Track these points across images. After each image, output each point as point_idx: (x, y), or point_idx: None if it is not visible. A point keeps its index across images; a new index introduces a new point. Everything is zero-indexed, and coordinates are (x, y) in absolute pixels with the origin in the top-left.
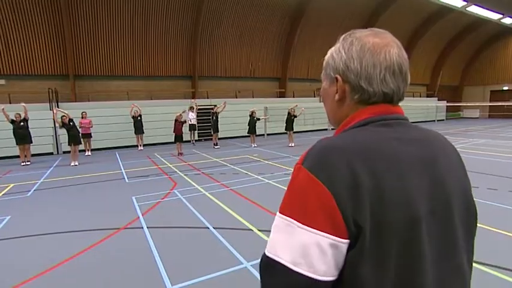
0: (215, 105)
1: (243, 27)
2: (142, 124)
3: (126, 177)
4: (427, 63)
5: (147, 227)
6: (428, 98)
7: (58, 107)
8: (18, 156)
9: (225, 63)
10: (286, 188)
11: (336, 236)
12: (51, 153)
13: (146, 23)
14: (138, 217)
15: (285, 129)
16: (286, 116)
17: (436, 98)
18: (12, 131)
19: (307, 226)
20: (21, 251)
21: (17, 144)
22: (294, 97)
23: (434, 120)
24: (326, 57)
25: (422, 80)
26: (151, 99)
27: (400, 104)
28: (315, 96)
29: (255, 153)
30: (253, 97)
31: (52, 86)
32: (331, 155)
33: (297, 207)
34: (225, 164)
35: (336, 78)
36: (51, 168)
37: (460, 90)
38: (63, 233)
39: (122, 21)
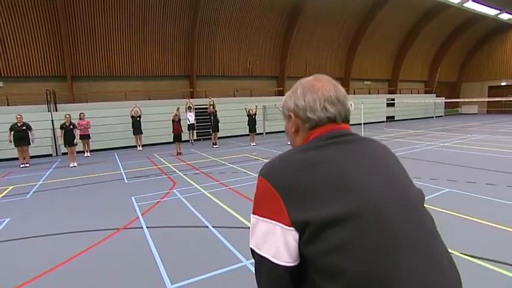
0: (211, 105)
1: (240, 25)
2: (140, 124)
3: (125, 178)
4: (425, 60)
5: (147, 227)
6: (426, 95)
7: (56, 110)
8: (17, 159)
9: (222, 62)
10: None
11: (284, 224)
12: (50, 155)
13: (143, 22)
14: (138, 217)
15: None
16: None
17: (435, 95)
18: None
19: (263, 217)
20: (21, 252)
21: (15, 146)
22: None
23: (432, 117)
24: (282, 102)
25: (420, 76)
26: (150, 99)
27: (397, 100)
28: None
29: (254, 151)
30: (251, 96)
31: (50, 88)
32: (277, 163)
33: (256, 205)
34: (224, 163)
35: (290, 115)
36: (50, 169)
37: (458, 87)
38: (63, 233)
39: (119, 21)
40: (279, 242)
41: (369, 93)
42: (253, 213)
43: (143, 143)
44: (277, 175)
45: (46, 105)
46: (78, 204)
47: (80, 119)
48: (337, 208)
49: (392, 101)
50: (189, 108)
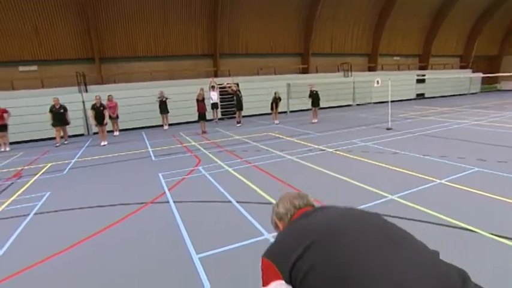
0: (229, 87)
1: (263, 2)
2: (167, 105)
3: (152, 156)
4: (461, 33)
5: (173, 202)
6: (461, 70)
7: (86, 91)
8: (53, 138)
9: (246, 40)
10: (306, 163)
11: (281, 279)
12: (82, 134)
13: (166, 2)
14: (165, 192)
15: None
16: (309, 93)
17: (470, 70)
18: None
19: (270, 282)
20: (60, 223)
21: (53, 126)
22: (317, 72)
23: (467, 94)
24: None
25: (454, 51)
26: (174, 79)
27: (429, 76)
28: (338, 71)
29: (277, 130)
30: (275, 74)
31: (80, 70)
32: (272, 244)
33: (264, 279)
34: (248, 141)
35: (276, 223)
36: (83, 148)
37: (499, 60)
38: (95, 207)
39: (143, 2)
40: None
41: (398, 69)
42: (266, 282)
43: (169, 122)
44: (270, 251)
45: (77, 87)
46: (109, 180)
47: (109, 100)
48: (301, 246)
49: (423, 77)
50: (213, 87)
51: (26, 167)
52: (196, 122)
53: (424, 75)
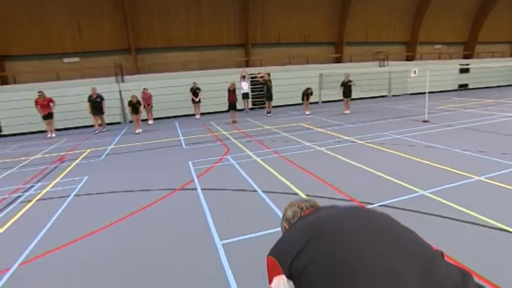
0: (261, 76)
1: None
2: (198, 95)
3: (183, 144)
4: None
5: (201, 189)
6: None
7: (123, 81)
8: (93, 126)
9: (278, 29)
10: (335, 155)
11: (282, 274)
12: (119, 123)
13: None
14: (193, 180)
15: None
16: (340, 83)
17: None
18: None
19: (273, 277)
20: (95, 205)
21: (92, 115)
22: (351, 62)
23: None
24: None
25: (507, 37)
26: (206, 69)
27: (474, 65)
28: (373, 61)
29: (308, 120)
30: (307, 63)
31: (117, 61)
32: (276, 243)
33: (269, 276)
34: (277, 131)
35: (285, 226)
36: (119, 136)
37: None
38: (128, 191)
39: None
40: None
41: (439, 59)
42: (270, 278)
43: (201, 112)
44: (274, 249)
45: (114, 77)
46: (142, 167)
47: (143, 93)
48: (300, 242)
49: (467, 66)
50: (243, 77)
51: (68, 152)
52: (227, 112)
53: (468, 64)
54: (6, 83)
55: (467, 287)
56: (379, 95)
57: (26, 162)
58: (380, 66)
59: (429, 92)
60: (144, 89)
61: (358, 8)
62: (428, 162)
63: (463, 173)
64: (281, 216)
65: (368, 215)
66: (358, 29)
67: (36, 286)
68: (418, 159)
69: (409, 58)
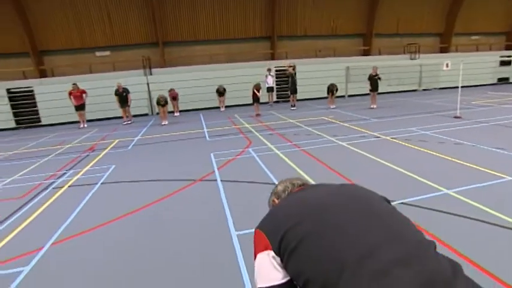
0: (291, 66)
1: None
2: (224, 88)
3: (207, 136)
4: None
5: (221, 180)
6: None
7: (151, 73)
8: (121, 117)
9: (304, 21)
10: (357, 150)
11: (270, 250)
12: (146, 114)
13: None
14: (214, 171)
15: (370, 90)
16: (367, 76)
17: None
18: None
19: (259, 252)
20: (121, 193)
21: (121, 107)
22: (379, 54)
23: None
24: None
25: None
26: (232, 62)
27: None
28: (404, 53)
29: (332, 114)
30: (334, 56)
31: (145, 54)
32: (265, 216)
33: (255, 248)
34: (300, 125)
35: (273, 200)
36: (146, 127)
37: None
38: (152, 181)
39: None
40: (269, 268)
41: (477, 50)
42: (254, 254)
43: (226, 104)
44: (262, 223)
45: (142, 70)
46: (166, 157)
47: (170, 92)
48: (292, 220)
49: (509, 58)
50: (269, 70)
51: (98, 142)
52: (251, 105)
53: (510, 56)
54: (45, 76)
55: (457, 277)
56: (409, 89)
57: (61, 150)
58: (411, 59)
59: (463, 86)
60: (171, 89)
61: None
62: (456, 160)
63: (494, 173)
64: (270, 193)
65: (363, 198)
66: (389, 20)
67: (65, 264)
68: (446, 157)
69: (443, 50)
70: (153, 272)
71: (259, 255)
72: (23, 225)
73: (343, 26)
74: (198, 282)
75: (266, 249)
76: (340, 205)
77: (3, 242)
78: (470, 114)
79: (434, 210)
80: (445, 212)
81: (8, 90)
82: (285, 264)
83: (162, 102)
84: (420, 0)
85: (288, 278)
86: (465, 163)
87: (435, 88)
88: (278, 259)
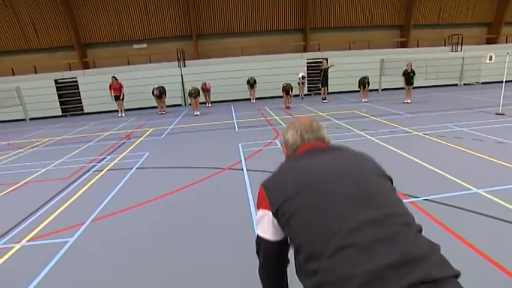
0: (326, 59)
1: None
2: (255, 80)
3: (236, 127)
4: None
5: (247, 170)
6: None
7: (185, 65)
8: (156, 107)
9: (338, 12)
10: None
11: (269, 211)
12: (180, 105)
13: None
14: (241, 161)
15: (405, 84)
16: (402, 72)
17: None
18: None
19: (260, 209)
20: (153, 178)
21: (157, 98)
22: (418, 46)
23: None
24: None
25: None
26: (264, 54)
27: None
28: (445, 45)
29: (364, 108)
30: (369, 48)
31: (179, 46)
32: (271, 175)
33: (257, 203)
34: (330, 118)
35: (283, 145)
36: (179, 117)
37: None
38: (183, 167)
39: None
40: (267, 224)
41: None
42: (256, 208)
43: (256, 96)
44: (267, 182)
45: (177, 62)
46: (197, 146)
47: (202, 85)
48: (292, 189)
49: None
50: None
51: (135, 130)
52: (282, 97)
53: None
54: (88, 68)
55: (435, 253)
56: (449, 83)
57: (101, 137)
58: (452, 51)
59: (508, 81)
60: (203, 83)
61: None
62: (492, 159)
63: None
64: (281, 132)
65: (362, 175)
66: (429, 10)
67: (102, 239)
68: (481, 155)
69: (491, 41)
70: (181, 247)
71: (261, 210)
72: (68, 203)
73: (379, 16)
74: (222, 256)
75: (266, 208)
76: (339, 180)
77: (53, 216)
78: None
79: (461, 208)
80: (472, 212)
81: (56, 81)
82: (282, 228)
83: (194, 94)
84: None
85: (281, 238)
86: (502, 162)
87: (477, 83)
88: (275, 220)
